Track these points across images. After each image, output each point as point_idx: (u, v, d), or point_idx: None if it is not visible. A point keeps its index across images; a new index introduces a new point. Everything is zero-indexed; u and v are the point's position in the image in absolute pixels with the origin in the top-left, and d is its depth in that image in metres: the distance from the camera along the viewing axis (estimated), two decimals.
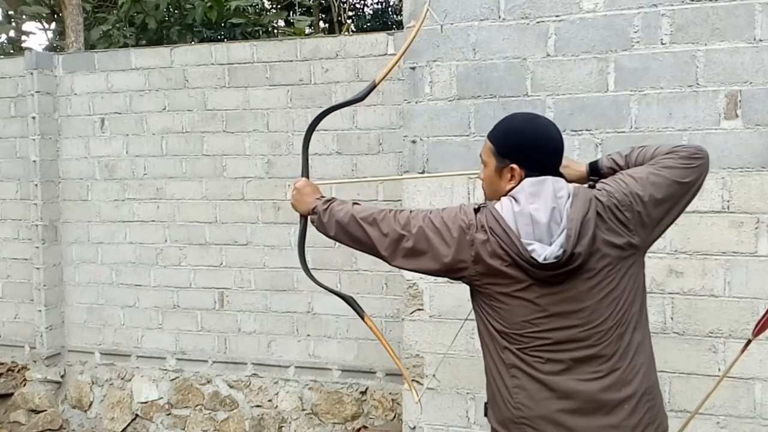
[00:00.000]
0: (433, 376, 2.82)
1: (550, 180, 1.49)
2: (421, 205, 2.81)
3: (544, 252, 1.42)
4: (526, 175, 1.51)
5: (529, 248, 1.43)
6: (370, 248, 1.69)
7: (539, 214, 1.45)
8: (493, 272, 1.49)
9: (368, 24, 11.26)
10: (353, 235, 1.70)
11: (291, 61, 4.01)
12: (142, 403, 4.39)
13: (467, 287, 1.61)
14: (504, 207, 1.50)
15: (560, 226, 1.44)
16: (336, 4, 10.19)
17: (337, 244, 3.98)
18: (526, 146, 1.53)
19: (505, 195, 1.54)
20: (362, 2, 12.18)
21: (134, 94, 4.33)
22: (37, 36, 23.87)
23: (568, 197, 1.47)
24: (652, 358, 1.57)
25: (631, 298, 1.50)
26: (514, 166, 1.53)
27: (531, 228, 1.45)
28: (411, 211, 1.65)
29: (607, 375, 1.46)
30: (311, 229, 1.89)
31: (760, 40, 2.43)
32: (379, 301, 3.94)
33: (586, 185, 1.55)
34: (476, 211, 1.54)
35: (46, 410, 4.49)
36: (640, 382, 1.49)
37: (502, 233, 1.46)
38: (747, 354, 2.11)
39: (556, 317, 1.46)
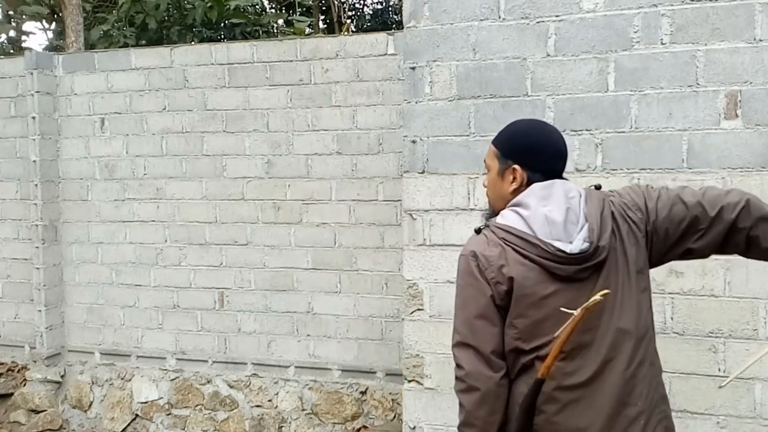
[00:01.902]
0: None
1: (558, 182, 1.49)
2: (421, 205, 2.81)
3: (567, 248, 1.41)
4: (529, 178, 1.51)
5: (554, 244, 1.41)
6: (476, 392, 1.49)
7: (554, 214, 1.43)
8: (512, 285, 1.45)
9: (368, 24, 11.26)
10: (462, 402, 1.52)
11: (291, 61, 4.01)
12: (142, 403, 4.39)
13: None
14: (508, 218, 1.48)
15: (578, 224, 1.43)
16: (336, 4, 10.19)
17: (338, 244, 4.03)
18: (528, 147, 1.53)
19: (508, 198, 1.54)
20: (362, 2, 12.18)
21: (134, 94, 4.33)
22: (37, 36, 23.91)
23: (580, 196, 1.47)
24: (661, 383, 1.57)
25: (646, 306, 1.50)
26: (516, 167, 1.53)
27: (548, 228, 1.43)
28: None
29: (622, 406, 1.47)
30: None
31: (760, 40, 2.42)
32: (379, 301, 3.94)
33: (592, 187, 1.55)
34: (477, 232, 1.52)
35: (46, 410, 4.49)
36: (652, 413, 1.51)
37: (517, 239, 1.44)
38: (747, 354, 2.11)
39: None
